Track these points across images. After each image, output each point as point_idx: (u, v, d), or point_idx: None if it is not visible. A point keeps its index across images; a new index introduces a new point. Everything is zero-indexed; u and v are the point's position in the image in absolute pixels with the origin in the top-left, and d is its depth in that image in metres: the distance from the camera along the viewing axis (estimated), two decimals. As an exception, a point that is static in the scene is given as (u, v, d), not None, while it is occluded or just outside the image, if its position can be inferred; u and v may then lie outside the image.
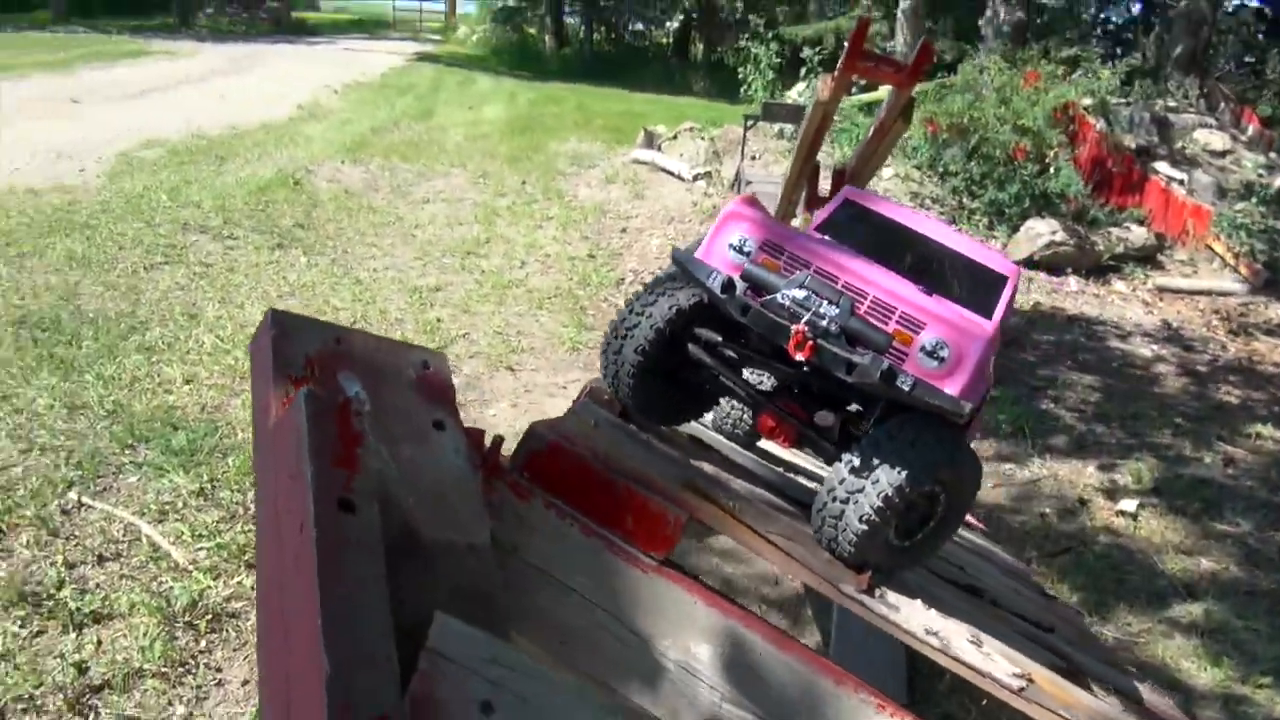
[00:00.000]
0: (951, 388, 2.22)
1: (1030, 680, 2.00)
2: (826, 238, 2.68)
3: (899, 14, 22.11)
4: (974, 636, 2.08)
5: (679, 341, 2.62)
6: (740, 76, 16.37)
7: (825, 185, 6.92)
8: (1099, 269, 11.38)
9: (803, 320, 2.32)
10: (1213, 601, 4.92)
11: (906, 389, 2.19)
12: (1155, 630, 4.62)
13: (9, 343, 5.67)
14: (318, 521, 1.03)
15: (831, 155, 12.27)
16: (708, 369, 2.63)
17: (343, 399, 1.22)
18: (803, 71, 15.74)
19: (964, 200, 12.28)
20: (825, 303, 2.34)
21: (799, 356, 2.32)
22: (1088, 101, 13.01)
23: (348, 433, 1.15)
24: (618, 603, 1.75)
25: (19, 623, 3.53)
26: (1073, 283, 10.86)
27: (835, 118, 14.57)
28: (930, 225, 2.95)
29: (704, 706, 1.63)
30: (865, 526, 2.19)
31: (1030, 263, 11.12)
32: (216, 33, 33.88)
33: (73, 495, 4.28)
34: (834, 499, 2.24)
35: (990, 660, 2.05)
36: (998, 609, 2.66)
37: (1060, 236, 11.19)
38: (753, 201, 2.67)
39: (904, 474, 2.17)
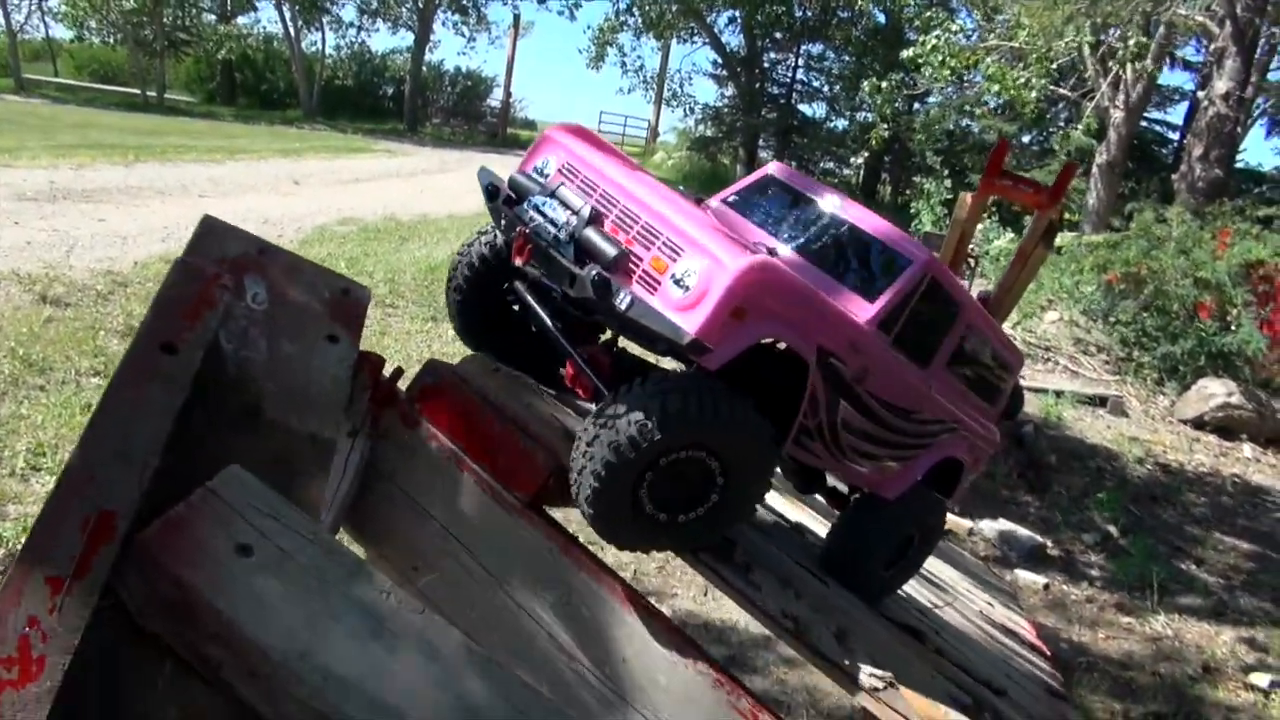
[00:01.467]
0: (686, 320, 1.96)
1: (892, 685, 1.81)
2: (648, 176, 2.50)
3: (1095, 169, 21.57)
4: (840, 632, 1.91)
5: (505, 279, 2.54)
6: (911, 210, 16.34)
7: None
8: (1280, 440, 10.41)
9: (530, 224, 2.20)
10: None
11: (622, 307, 1.98)
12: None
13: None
14: (130, 350, 1.13)
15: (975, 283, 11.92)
16: (527, 308, 2.48)
17: (212, 273, 1.33)
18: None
19: (1133, 352, 11.61)
20: (567, 212, 2.19)
21: (517, 260, 2.20)
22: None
23: (203, 296, 1.26)
24: (474, 537, 1.74)
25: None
26: (1246, 450, 9.96)
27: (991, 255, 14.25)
28: (850, 208, 2.80)
29: (539, 651, 1.58)
30: (603, 472, 1.94)
31: (1199, 423, 10.32)
32: (437, 139, 37.18)
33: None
34: (582, 441, 2.00)
35: (850, 655, 1.87)
36: (938, 656, 2.42)
37: (1237, 400, 10.35)
38: (578, 130, 2.56)
39: (651, 422, 1.92)
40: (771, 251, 2.34)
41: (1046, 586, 6.03)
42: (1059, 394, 10.04)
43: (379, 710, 1.07)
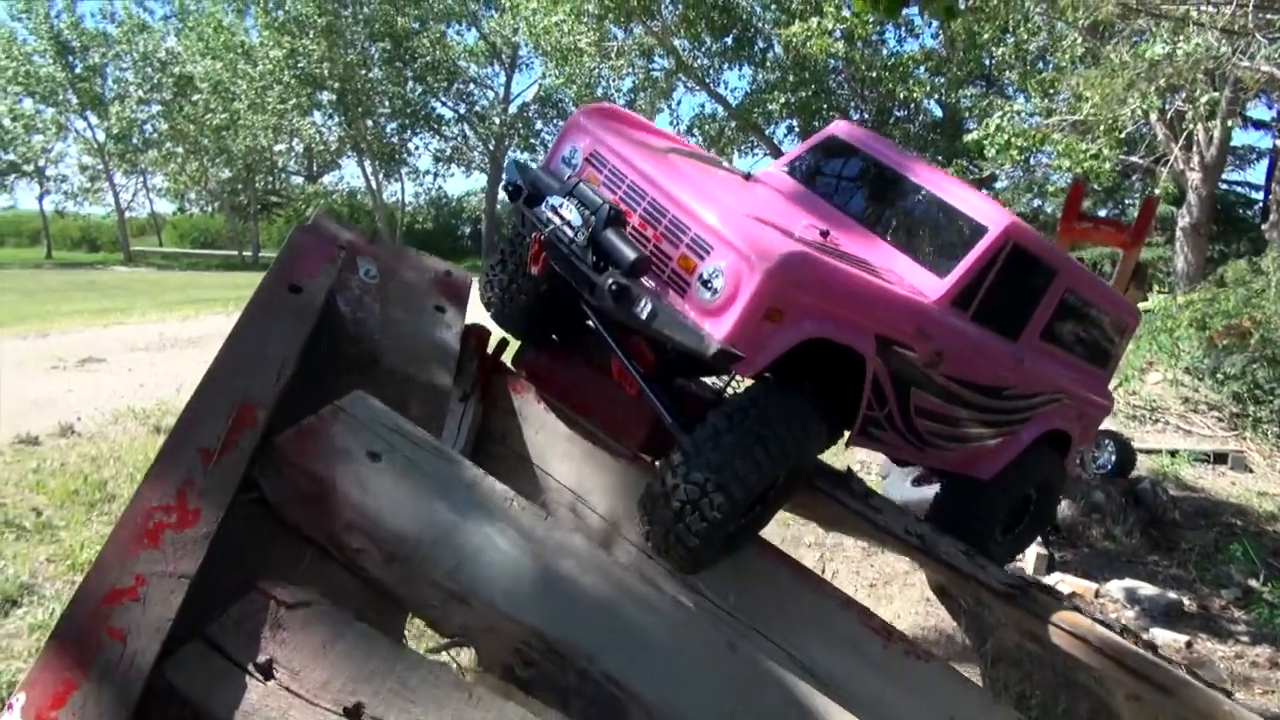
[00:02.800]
0: (714, 326, 1.78)
1: (1027, 590, 1.69)
2: (681, 158, 2.30)
3: (1179, 233, 21.09)
4: (968, 551, 1.79)
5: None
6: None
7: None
8: None
9: (547, 229, 2.00)
10: None
11: (643, 316, 1.80)
12: None
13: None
14: (258, 291, 1.22)
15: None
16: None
17: (330, 234, 1.43)
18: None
19: (1248, 407, 11.07)
20: (585, 211, 1.95)
21: (533, 269, 2.05)
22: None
23: (322, 254, 1.35)
24: (588, 487, 1.72)
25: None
26: (1394, 496, 9.29)
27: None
28: (923, 170, 2.59)
29: (664, 596, 1.54)
30: (708, 530, 1.78)
31: (1336, 475, 9.71)
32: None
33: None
34: (673, 498, 1.81)
35: (980, 568, 1.75)
36: (1076, 611, 2.25)
37: (1371, 445, 9.74)
38: (608, 111, 2.39)
39: (753, 474, 1.79)
40: (825, 233, 2.15)
41: (1189, 644, 5.63)
42: (1173, 453, 9.59)
43: (512, 594, 1.08)
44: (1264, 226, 15.47)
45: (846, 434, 2.21)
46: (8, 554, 4.97)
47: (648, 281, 1.91)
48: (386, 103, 39.80)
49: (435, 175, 45.10)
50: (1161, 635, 5.76)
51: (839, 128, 2.79)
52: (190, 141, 37.24)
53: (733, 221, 1.90)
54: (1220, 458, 9.86)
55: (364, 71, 38.24)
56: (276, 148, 40.67)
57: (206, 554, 1.03)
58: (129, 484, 6.18)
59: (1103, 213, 29.65)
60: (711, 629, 1.48)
